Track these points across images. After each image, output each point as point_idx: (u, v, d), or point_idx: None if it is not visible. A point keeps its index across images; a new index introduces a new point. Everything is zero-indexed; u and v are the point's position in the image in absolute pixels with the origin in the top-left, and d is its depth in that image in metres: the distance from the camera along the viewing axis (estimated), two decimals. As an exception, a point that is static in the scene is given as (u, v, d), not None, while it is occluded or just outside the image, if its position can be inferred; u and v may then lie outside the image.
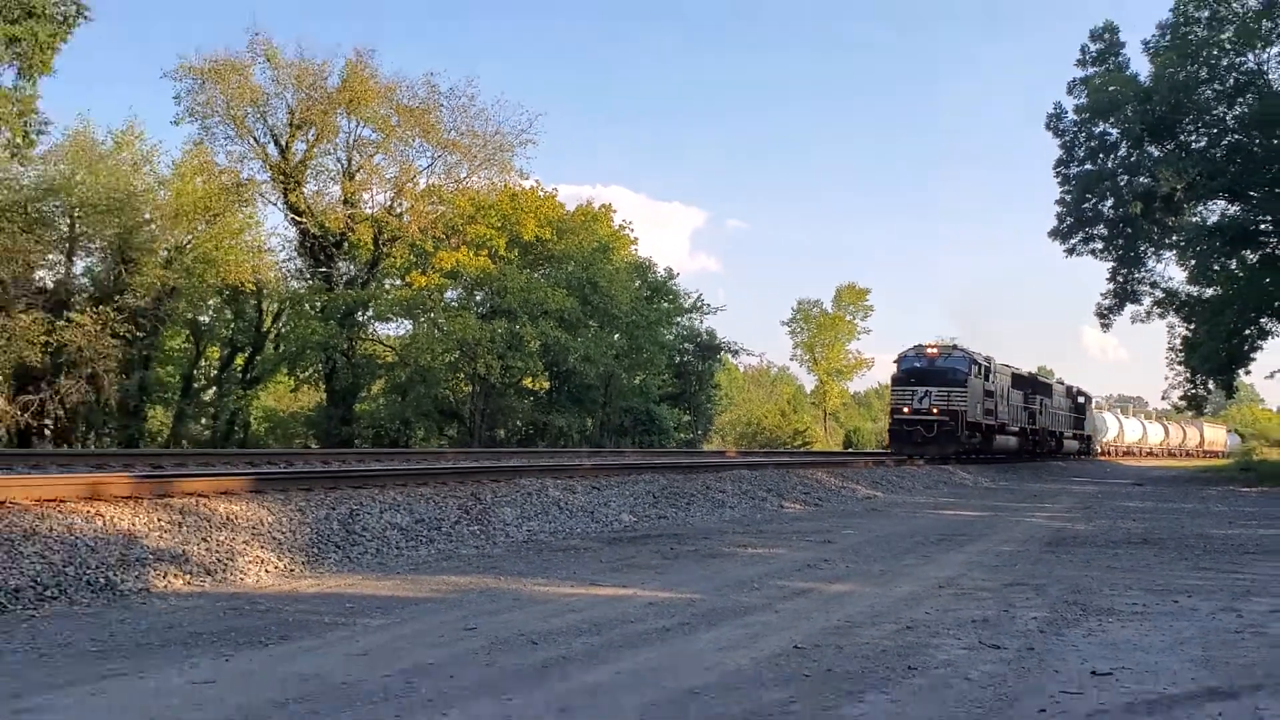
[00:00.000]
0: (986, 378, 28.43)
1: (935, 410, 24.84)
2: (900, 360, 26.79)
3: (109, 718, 3.82)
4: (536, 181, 32.60)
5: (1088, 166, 23.47)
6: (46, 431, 24.94)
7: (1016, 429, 31.64)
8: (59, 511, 7.20)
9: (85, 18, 24.44)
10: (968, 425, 25.29)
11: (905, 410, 25.30)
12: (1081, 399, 43.77)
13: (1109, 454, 48.24)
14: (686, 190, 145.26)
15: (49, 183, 26.15)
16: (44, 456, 14.46)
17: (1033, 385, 36.00)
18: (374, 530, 9.17)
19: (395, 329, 30.51)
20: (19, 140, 24.34)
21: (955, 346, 28.04)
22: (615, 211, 36.83)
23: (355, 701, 4.03)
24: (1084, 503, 17.42)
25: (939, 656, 5.28)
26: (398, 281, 30.54)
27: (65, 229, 26.49)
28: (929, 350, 26.79)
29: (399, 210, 30.18)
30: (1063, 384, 42.18)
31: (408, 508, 9.98)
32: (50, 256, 26.44)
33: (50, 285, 26.37)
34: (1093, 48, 22.80)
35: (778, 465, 18.63)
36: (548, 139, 72.09)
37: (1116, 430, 50.05)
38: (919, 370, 26.07)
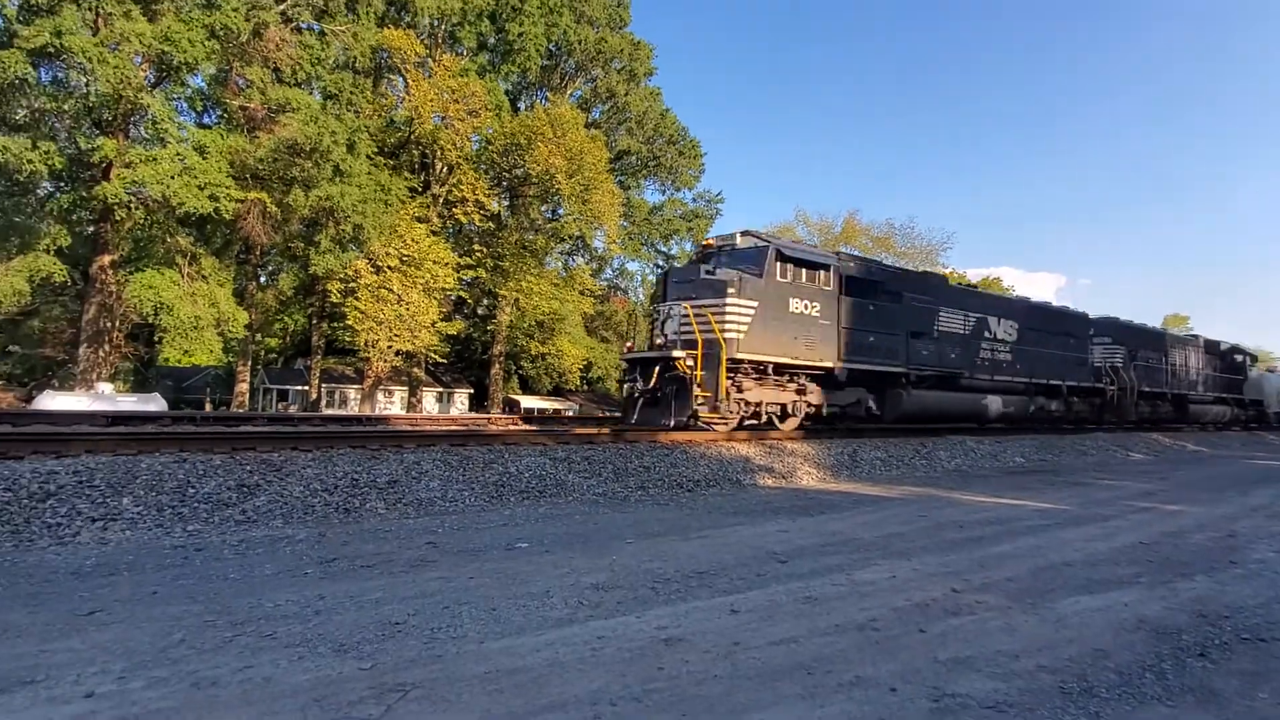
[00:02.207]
0: (858, 291, 13.62)
1: (661, 342, 12.02)
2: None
3: (742, 539, 6.05)
4: (952, 269, 48.62)
5: None
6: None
7: (1013, 381, 17.33)
8: (715, 446, 11.09)
9: (719, 212, 48.37)
10: (744, 367, 11.79)
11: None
12: (1240, 358, 30.63)
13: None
14: (1048, 264, 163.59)
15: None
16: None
17: (1120, 332, 22.52)
18: (866, 461, 11.93)
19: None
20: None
21: (751, 232, 13.12)
22: (1001, 280, 55.11)
23: (861, 546, 5.79)
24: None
25: (1254, 555, 5.68)
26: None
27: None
28: (707, 242, 13.76)
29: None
30: (1198, 337, 28.34)
31: (883, 449, 12.69)
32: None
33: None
34: None
35: (1125, 430, 21.85)
36: (962, 239, 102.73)
37: None
38: (672, 282, 12.72)
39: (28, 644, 3.28)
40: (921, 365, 14.87)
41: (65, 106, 22.51)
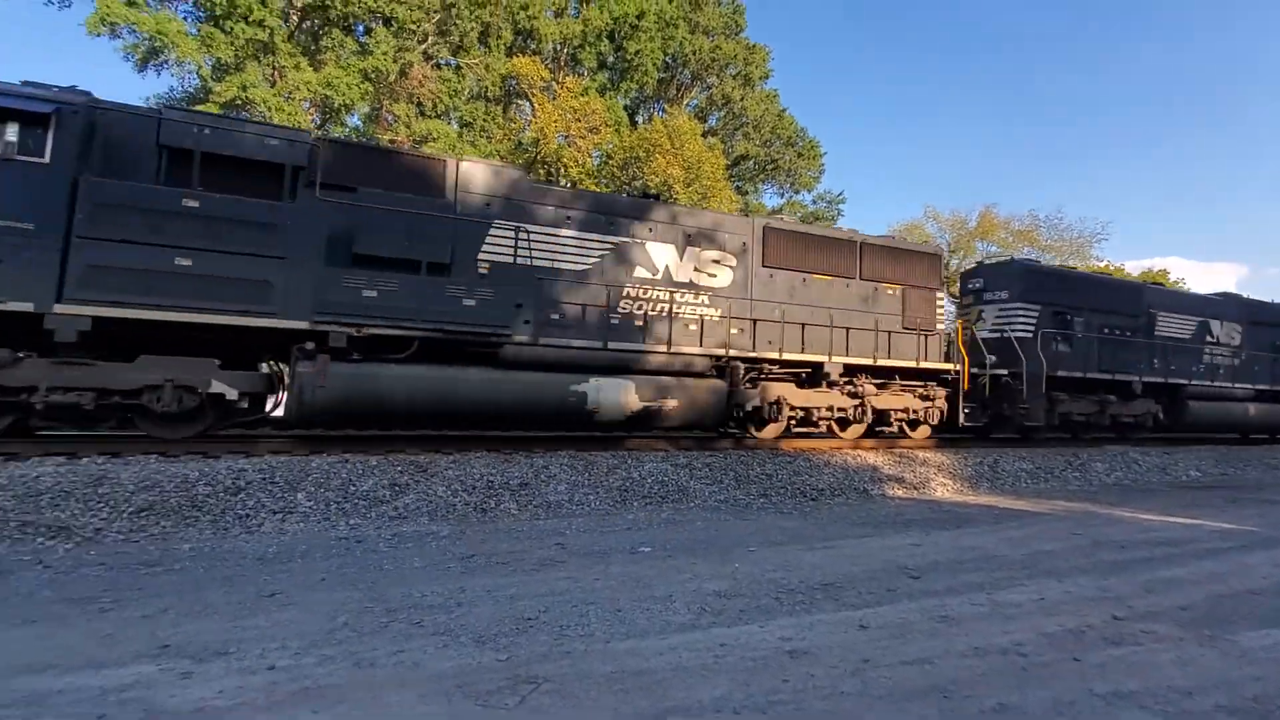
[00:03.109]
0: (124, 164, 7.19)
1: None
2: None
3: (870, 552, 5.83)
4: (1108, 261, 42.66)
5: None
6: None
7: (681, 356, 9.97)
8: (841, 454, 10.57)
9: (840, 212, 43.24)
10: None
11: None
12: None
13: None
14: (1228, 253, 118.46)
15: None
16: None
17: (1032, 283, 14.04)
18: (1009, 472, 10.98)
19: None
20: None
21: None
22: (1167, 272, 45.68)
23: (1004, 565, 5.38)
24: None
25: None
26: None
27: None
28: None
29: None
30: (1230, 297, 17.48)
31: (1029, 460, 11.55)
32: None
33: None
34: None
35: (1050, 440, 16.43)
36: (1122, 229, 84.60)
37: None
38: None
39: (222, 620, 3.75)
40: (377, 317, 8.11)
41: (249, 151, 25.63)
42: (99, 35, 22.11)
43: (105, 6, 21.64)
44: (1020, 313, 13.92)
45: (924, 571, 5.18)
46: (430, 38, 28.10)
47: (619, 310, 9.66)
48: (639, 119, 43.04)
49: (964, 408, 12.44)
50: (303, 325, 7.79)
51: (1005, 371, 13.11)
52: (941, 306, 12.63)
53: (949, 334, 12.92)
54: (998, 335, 13.70)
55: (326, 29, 25.40)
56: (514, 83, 34.52)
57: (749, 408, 10.72)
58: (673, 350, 9.83)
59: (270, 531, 6.02)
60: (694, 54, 38.81)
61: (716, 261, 10.58)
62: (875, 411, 11.79)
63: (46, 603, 3.99)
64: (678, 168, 32.28)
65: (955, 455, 11.49)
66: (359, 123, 30.74)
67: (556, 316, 9.25)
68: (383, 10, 25.16)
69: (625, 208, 10.33)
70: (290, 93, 23.58)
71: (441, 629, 3.66)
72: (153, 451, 7.37)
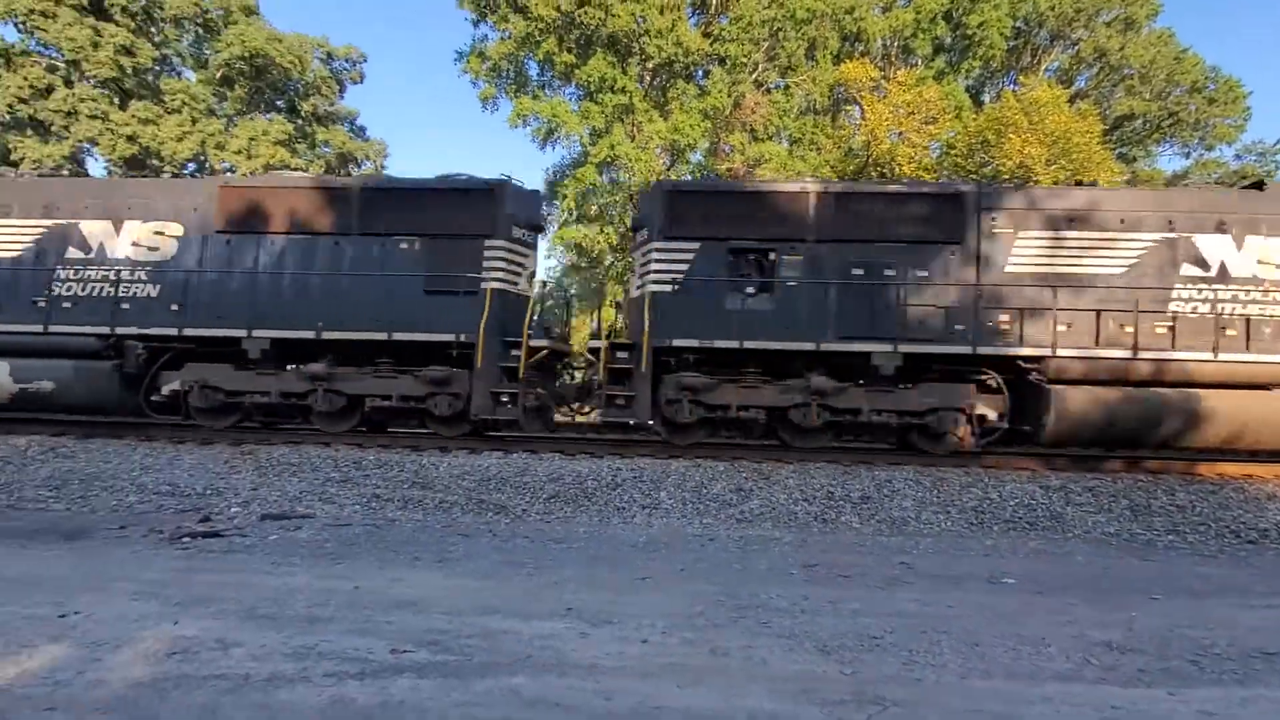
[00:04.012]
0: None
1: None
2: None
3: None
4: None
5: None
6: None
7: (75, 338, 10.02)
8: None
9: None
10: None
11: None
12: None
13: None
14: None
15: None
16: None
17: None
18: None
19: None
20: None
21: None
22: None
23: None
24: None
25: None
26: None
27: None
28: None
29: None
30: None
31: None
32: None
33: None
34: None
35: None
36: None
37: None
38: None
39: (607, 594, 4.44)
40: None
41: (616, 198, 29.90)
42: (516, 126, 28.33)
43: (520, 104, 27.72)
44: (660, 257, 9.37)
45: None
46: (760, 65, 29.29)
47: (46, 294, 9.74)
48: (985, 97, 38.37)
49: (490, 395, 9.19)
50: None
51: (600, 344, 9.40)
52: (497, 259, 9.45)
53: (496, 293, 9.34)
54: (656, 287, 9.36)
55: (672, 81, 28.31)
56: (842, 89, 33.83)
57: (165, 391, 9.77)
58: (50, 330, 9.54)
59: (640, 523, 6.90)
60: (1052, 10, 33.11)
61: (159, 233, 9.81)
62: (349, 398, 9.55)
63: (495, 564, 5.22)
64: (1037, 145, 27.75)
65: None
66: (700, 158, 33.47)
67: None
68: (718, 53, 27.10)
69: (61, 190, 10.27)
70: (646, 143, 26.85)
71: (786, 632, 3.78)
72: (556, 450, 9.01)
